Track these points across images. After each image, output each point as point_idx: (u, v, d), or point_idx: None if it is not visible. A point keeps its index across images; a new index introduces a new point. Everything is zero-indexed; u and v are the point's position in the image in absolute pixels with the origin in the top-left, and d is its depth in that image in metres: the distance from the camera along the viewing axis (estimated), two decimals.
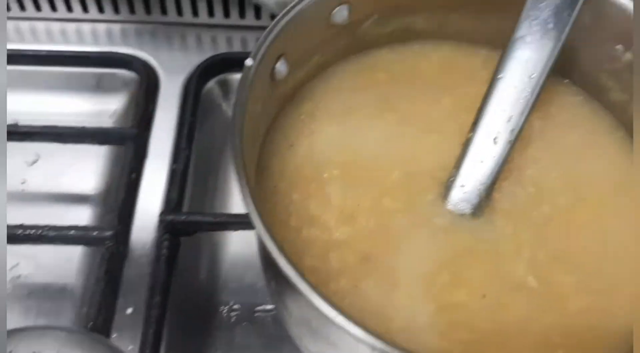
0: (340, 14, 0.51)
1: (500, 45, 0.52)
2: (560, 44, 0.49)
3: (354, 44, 0.56)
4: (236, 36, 0.78)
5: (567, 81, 0.56)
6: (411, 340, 0.42)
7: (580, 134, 0.54)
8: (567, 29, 0.49)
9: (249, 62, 0.43)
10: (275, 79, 0.47)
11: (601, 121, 0.55)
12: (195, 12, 0.75)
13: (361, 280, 0.45)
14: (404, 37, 0.57)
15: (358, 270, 0.45)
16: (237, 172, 0.38)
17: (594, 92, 0.55)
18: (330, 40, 0.53)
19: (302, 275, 0.36)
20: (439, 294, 0.44)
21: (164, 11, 0.75)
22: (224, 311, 0.62)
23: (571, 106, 0.56)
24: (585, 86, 0.56)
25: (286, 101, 0.53)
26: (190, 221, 0.58)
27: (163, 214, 0.58)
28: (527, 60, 0.50)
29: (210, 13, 0.75)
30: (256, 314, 0.61)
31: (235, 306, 0.62)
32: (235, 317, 0.62)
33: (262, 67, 0.44)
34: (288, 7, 0.46)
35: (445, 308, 0.44)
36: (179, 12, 0.75)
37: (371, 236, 0.47)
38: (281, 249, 0.36)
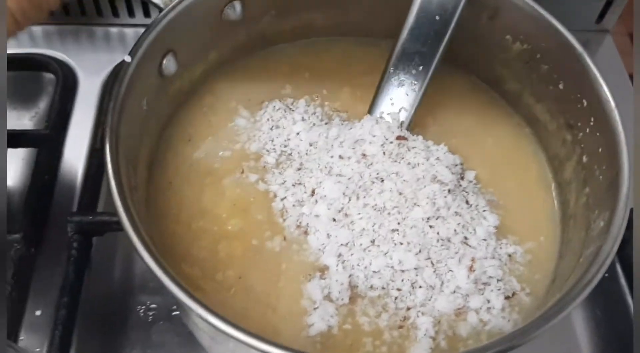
0: (233, 10, 0.51)
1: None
2: (447, 37, 0.51)
3: (255, 40, 0.56)
4: None
5: (465, 71, 0.58)
6: (294, 330, 0.43)
7: (476, 120, 0.56)
8: (454, 21, 0.50)
9: (127, 59, 0.43)
10: (164, 75, 0.48)
11: (497, 108, 0.57)
12: (115, 13, 0.75)
13: (247, 270, 0.45)
14: (306, 33, 0.58)
15: (245, 261, 0.46)
16: (107, 172, 0.38)
17: (491, 81, 0.57)
18: (226, 36, 0.53)
19: (175, 278, 0.37)
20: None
21: (83, 12, 0.75)
22: (141, 311, 0.62)
23: (470, 93, 0.57)
24: (483, 76, 0.57)
25: (187, 95, 0.54)
26: (99, 221, 0.58)
27: (71, 215, 0.58)
28: (416, 53, 0.51)
29: (130, 13, 0.75)
30: (173, 313, 0.61)
31: (153, 306, 0.62)
32: (152, 317, 0.62)
33: (145, 64, 0.45)
34: (172, 4, 0.46)
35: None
36: (99, 12, 0.75)
37: (261, 228, 0.47)
38: (152, 251, 0.37)
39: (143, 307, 0.62)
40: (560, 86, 0.50)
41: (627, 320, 0.56)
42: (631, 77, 0.74)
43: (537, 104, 0.53)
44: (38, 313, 0.56)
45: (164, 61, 0.47)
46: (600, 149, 0.45)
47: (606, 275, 0.64)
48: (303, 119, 0.53)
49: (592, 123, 0.47)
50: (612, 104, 0.45)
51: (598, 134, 0.46)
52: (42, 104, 0.74)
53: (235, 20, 0.52)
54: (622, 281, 0.58)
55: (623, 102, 0.76)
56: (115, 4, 0.73)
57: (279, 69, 0.57)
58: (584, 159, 0.48)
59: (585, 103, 0.47)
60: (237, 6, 0.52)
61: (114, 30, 0.76)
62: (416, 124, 0.54)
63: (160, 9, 0.47)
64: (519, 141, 0.55)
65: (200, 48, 0.52)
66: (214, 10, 0.50)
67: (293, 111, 0.54)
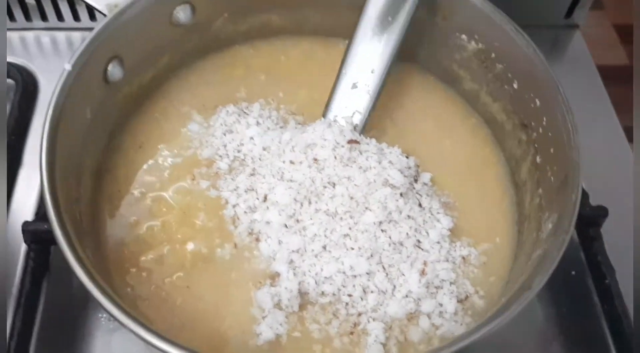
0: (183, 14, 0.51)
1: None
2: (399, 38, 0.50)
3: (209, 42, 0.56)
4: None
5: (423, 71, 0.57)
6: (242, 340, 0.42)
7: (435, 121, 0.55)
8: (406, 22, 0.50)
9: (67, 67, 0.42)
10: (110, 82, 0.47)
11: (455, 108, 0.56)
12: (76, 17, 0.74)
13: (195, 280, 0.45)
14: (264, 33, 0.58)
15: (193, 270, 0.45)
16: (42, 187, 0.37)
17: (449, 81, 0.57)
18: (178, 40, 0.52)
19: (108, 292, 0.36)
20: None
21: (43, 17, 0.74)
22: (102, 318, 0.61)
23: (427, 94, 0.57)
24: (441, 76, 0.57)
25: (138, 101, 0.53)
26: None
27: (26, 224, 0.57)
28: (368, 55, 0.50)
29: (92, 17, 0.74)
30: None
31: None
32: (113, 324, 0.61)
33: (87, 71, 0.44)
34: (117, 10, 0.45)
35: None
36: (60, 17, 0.74)
37: (212, 236, 0.47)
38: (85, 266, 0.36)
39: (104, 315, 0.61)
40: (515, 85, 0.50)
41: (593, 318, 0.56)
42: (606, 69, 0.74)
43: (493, 103, 0.53)
44: None
45: (109, 68, 0.46)
46: (552, 150, 0.45)
47: (573, 272, 0.64)
48: (257, 123, 0.52)
49: (544, 123, 0.46)
50: (563, 104, 0.44)
51: (550, 134, 0.45)
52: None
53: (185, 23, 0.51)
54: (589, 279, 0.58)
55: (591, 102, 0.76)
56: (75, 8, 0.72)
57: (234, 72, 0.56)
58: (538, 159, 0.47)
59: (538, 103, 0.47)
60: (187, 9, 0.51)
61: (76, 34, 0.75)
62: (373, 126, 0.54)
63: (104, 15, 0.46)
64: (477, 142, 0.54)
65: (149, 53, 0.51)
66: (162, 14, 0.49)
67: (247, 115, 0.53)
